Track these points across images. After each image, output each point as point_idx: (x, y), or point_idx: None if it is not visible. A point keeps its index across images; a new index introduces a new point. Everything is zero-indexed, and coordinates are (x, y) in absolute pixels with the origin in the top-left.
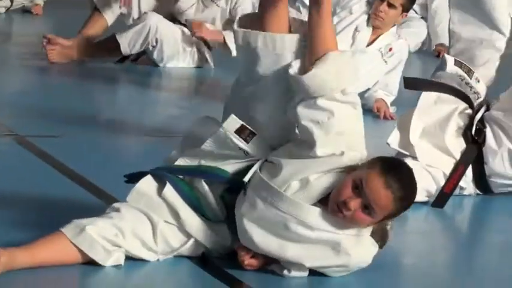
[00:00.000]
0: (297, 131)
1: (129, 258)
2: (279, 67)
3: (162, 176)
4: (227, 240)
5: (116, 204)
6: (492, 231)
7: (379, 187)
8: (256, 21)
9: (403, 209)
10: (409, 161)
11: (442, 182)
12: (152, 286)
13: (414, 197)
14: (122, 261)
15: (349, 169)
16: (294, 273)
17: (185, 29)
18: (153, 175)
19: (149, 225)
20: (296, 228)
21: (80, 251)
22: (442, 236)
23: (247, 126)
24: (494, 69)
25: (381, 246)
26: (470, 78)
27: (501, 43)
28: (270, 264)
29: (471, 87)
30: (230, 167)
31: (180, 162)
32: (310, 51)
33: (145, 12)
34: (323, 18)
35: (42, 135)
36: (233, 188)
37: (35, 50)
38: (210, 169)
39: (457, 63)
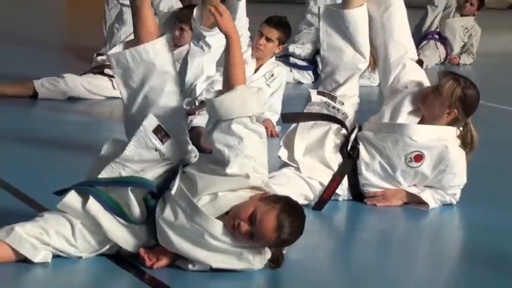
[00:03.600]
0: None
1: (56, 256)
2: (153, 74)
3: (85, 190)
4: (144, 240)
5: (41, 213)
6: (365, 229)
7: (270, 227)
8: (134, 40)
9: (282, 246)
10: (292, 171)
11: (318, 190)
12: (75, 281)
13: (294, 241)
14: (49, 259)
15: (255, 190)
16: (197, 267)
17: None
18: (76, 190)
19: (69, 225)
20: (208, 238)
21: (12, 249)
22: (321, 234)
23: (163, 126)
24: (356, 88)
25: (275, 267)
26: (335, 102)
27: (363, 65)
28: (175, 260)
29: (338, 109)
30: (150, 174)
31: (103, 175)
32: (224, 85)
33: (62, 76)
34: (236, 58)
35: None
36: (155, 192)
37: None
38: (133, 178)
39: (320, 93)
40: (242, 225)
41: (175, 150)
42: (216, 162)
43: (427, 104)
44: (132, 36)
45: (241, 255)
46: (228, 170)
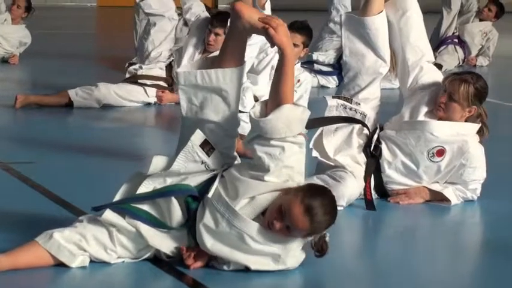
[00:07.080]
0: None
1: (93, 261)
2: (217, 98)
3: (120, 210)
4: (184, 243)
5: (81, 217)
6: (389, 226)
7: (299, 213)
8: (216, 60)
9: (322, 229)
10: (341, 172)
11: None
12: (113, 282)
13: (332, 220)
14: (86, 263)
15: (285, 190)
16: (232, 267)
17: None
18: (112, 209)
19: (106, 232)
20: (248, 240)
21: (51, 254)
22: (348, 231)
23: (209, 140)
24: (378, 91)
25: (321, 256)
26: (351, 104)
27: (384, 69)
28: (210, 261)
29: (355, 110)
30: (193, 180)
31: (147, 184)
32: (271, 99)
33: (96, 84)
34: (288, 74)
35: (21, 162)
36: (196, 196)
37: (12, 93)
38: (176, 187)
39: (335, 97)
40: (275, 223)
41: (220, 160)
42: (256, 168)
43: (446, 111)
44: (163, 49)
45: (279, 258)
46: (267, 178)
